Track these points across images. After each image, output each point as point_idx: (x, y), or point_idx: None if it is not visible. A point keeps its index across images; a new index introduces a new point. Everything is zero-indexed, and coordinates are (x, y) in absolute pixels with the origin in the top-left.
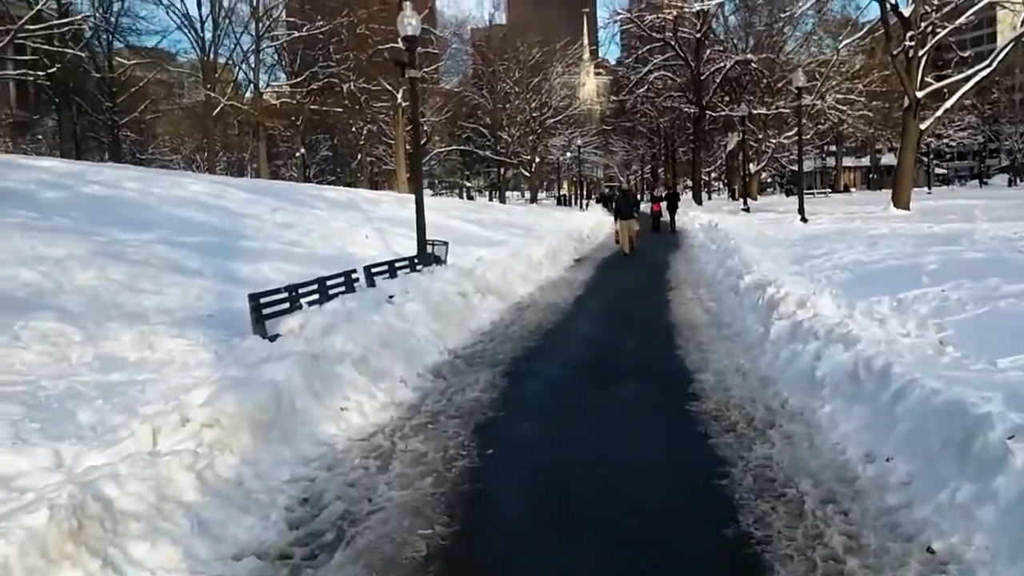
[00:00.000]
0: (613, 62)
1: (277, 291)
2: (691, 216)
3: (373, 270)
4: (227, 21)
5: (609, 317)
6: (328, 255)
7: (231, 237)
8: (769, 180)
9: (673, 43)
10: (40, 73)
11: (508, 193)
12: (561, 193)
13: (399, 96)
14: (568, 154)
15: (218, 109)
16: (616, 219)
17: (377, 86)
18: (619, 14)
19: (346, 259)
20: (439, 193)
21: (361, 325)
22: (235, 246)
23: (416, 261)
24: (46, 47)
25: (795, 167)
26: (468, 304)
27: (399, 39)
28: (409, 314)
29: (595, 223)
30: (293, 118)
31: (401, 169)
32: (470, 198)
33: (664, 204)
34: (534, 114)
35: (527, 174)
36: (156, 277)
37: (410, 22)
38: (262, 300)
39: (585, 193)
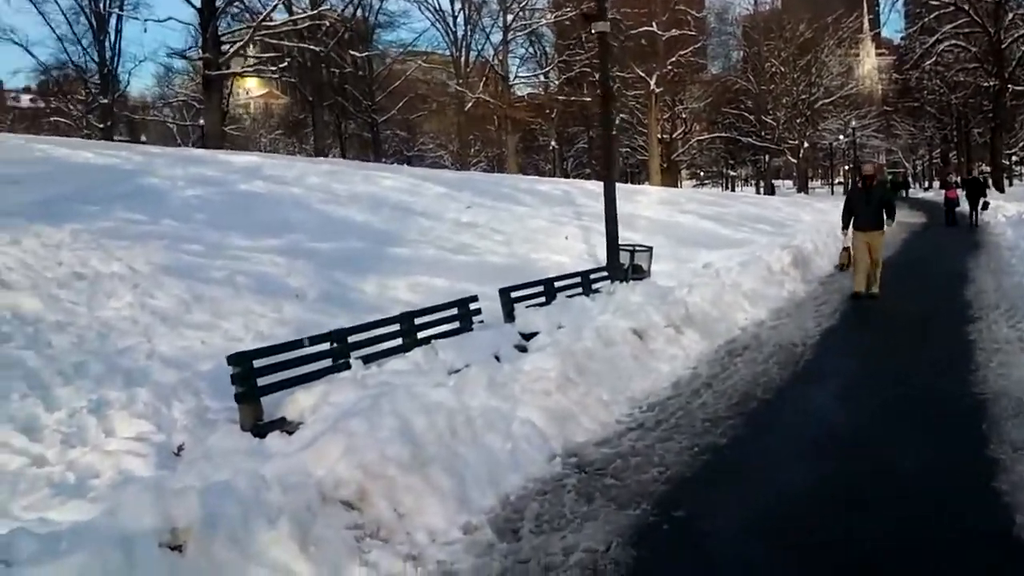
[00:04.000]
0: (895, 36)
1: (284, 346)
2: (993, 207)
3: (514, 293)
4: (478, 14)
5: (872, 377)
6: (499, 264)
7: (382, 242)
8: None
9: (966, 7)
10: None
11: (778, 183)
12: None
13: (652, 83)
14: (842, 138)
15: (470, 104)
16: (845, 227)
17: (631, 74)
18: None
19: (520, 269)
20: (702, 184)
21: (390, 419)
22: (379, 253)
23: (605, 274)
24: (302, 46)
25: None
26: (644, 348)
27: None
28: (521, 380)
29: None
30: (547, 111)
31: (654, 159)
32: (732, 188)
33: (961, 191)
34: (802, 96)
35: (794, 161)
36: (223, 303)
37: None
38: (254, 364)
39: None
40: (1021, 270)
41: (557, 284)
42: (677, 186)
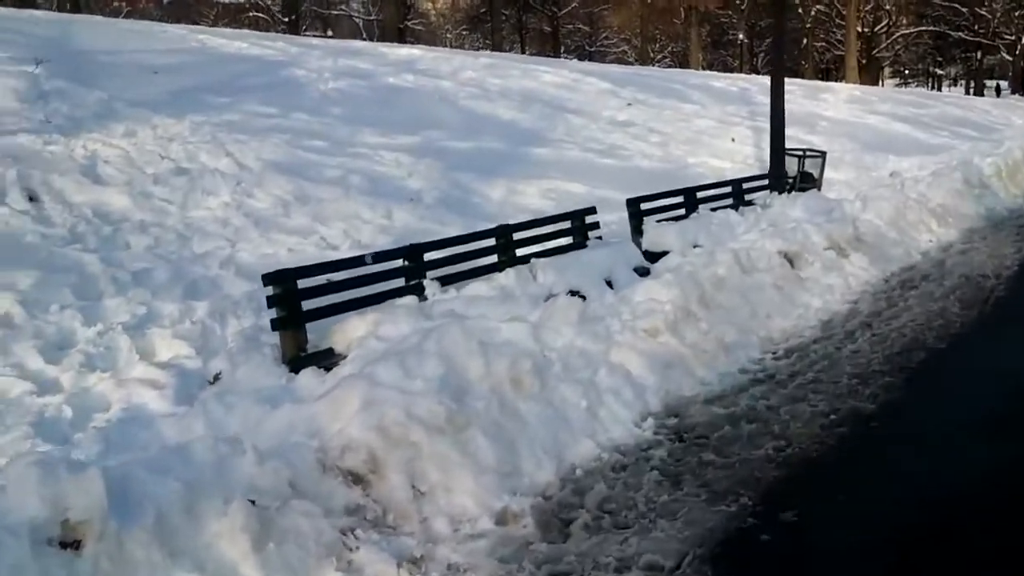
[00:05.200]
0: None
1: (340, 263)
2: None
3: (647, 204)
4: None
5: None
6: (648, 169)
7: (524, 142)
8: None
9: None
10: None
11: (991, 83)
12: None
13: None
14: None
15: None
16: None
17: None
18: None
19: (672, 175)
20: (906, 83)
21: (432, 363)
22: (517, 154)
23: (765, 183)
24: None
25: None
26: (793, 276)
27: None
28: (625, 313)
29: None
30: (737, 1)
31: (851, 55)
32: (939, 88)
33: None
34: None
35: (1010, 58)
36: (328, 205)
37: None
38: (298, 283)
39: None
40: None
41: (703, 194)
42: (878, 85)
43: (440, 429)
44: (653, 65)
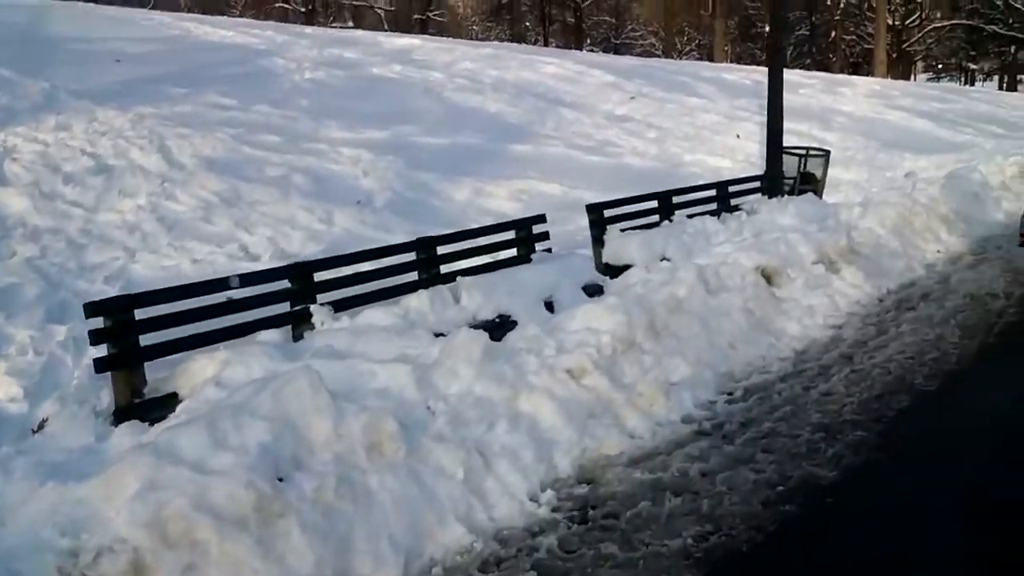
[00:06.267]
0: None
1: (191, 288)
2: None
3: (613, 211)
4: None
5: None
6: (637, 168)
7: (505, 137)
8: None
9: None
10: None
11: None
12: None
13: None
14: None
15: None
16: None
17: None
18: None
19: (664, 175)
20: (938, 78)
21: (257, 429)
22: (494, 151)
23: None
24: None
25: None
26: (767, 297)
27: None
28: (549, 348)
29: None
30: None
31: (880, 48)
32: (971, 83)
33: None
34: None
35: None
36: (259, 207)
37: None
38: (136, 312)
39: None
40: None
41: (681, 199)
42: (909, 79)
43: (241, 522)
44: (680, 58)
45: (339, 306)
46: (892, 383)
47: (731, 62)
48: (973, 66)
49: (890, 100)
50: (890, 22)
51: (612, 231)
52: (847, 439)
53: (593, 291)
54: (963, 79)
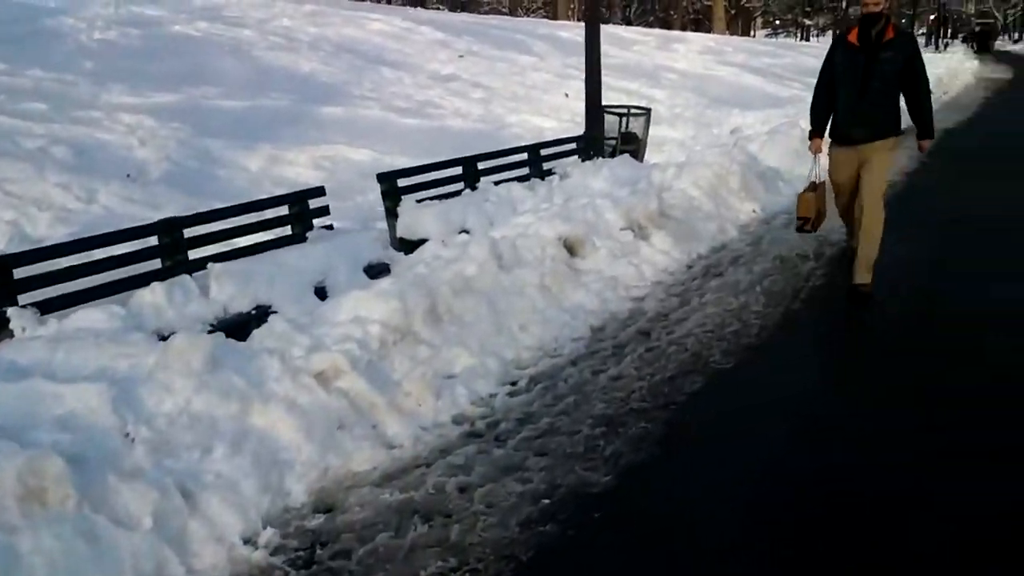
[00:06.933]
0: None
1: None
2: None
3: (409, 180)
4: None
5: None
6: (459, 130)
7: (315, 99)
8: None
9: None
10: None
11: None
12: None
13: None
14: None
15: None
16: (817, 133)
17: None
18: None
19: (487, 136)
20: (776, 34)
21: None
22: (300, 114)
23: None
24: None
25: None
26: (567, 269)
27: None
28: (298, 346)
29: (945, 71)
30: None
31: (719, 4)
32: (807, 39)
33: None
34: None
35: None
36: (3, 187)
37: None
38: None
39: (949, 32)
40: None
41: (488, 164)
42: (749, 35)
43: None
44: (527, 16)
45: (53, 306)
46: (687, 362)
47: (577, 20)
48: (808, 22)
49: (722, 56)
50: None
51: (407, 202)
52: (629, 433)
53: (378, 271)
54: (800, 35)
